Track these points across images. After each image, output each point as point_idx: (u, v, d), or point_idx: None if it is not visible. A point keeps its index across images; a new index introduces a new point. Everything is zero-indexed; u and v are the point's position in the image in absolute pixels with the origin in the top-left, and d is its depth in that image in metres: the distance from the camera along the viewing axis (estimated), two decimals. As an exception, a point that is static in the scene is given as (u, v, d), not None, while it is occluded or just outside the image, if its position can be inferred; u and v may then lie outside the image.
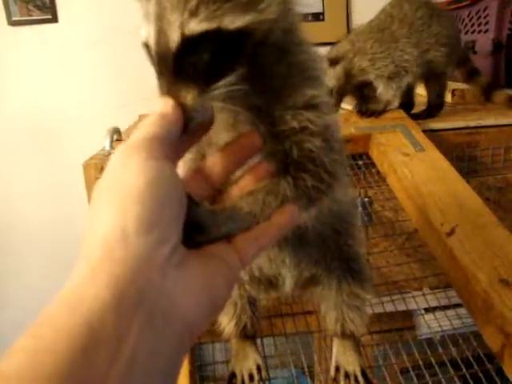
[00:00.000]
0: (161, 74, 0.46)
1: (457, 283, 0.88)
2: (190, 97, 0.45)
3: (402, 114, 1.41)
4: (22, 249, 2.47)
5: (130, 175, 0.40)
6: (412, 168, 1.09)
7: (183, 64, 0.45)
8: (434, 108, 1.59)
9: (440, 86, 1.62)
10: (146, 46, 0.47)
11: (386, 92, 1.56)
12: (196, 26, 0.44)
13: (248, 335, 0.85)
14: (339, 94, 1.67)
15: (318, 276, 0.77)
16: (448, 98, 1.84)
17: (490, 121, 1.44)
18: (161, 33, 0.45)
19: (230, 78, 0.46)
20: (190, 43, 0.44)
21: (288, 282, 0.74)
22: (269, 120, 0.53)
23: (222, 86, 0.46)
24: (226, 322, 0.83)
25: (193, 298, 0.40)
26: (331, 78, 1.61)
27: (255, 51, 0.48)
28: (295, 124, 0.52)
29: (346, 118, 1.33)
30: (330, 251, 0.74)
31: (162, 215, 0.39)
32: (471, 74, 1.71)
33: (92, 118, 2.27)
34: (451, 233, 0.92)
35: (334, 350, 0.84)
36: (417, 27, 1.55)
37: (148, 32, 0.46)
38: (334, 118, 0.58)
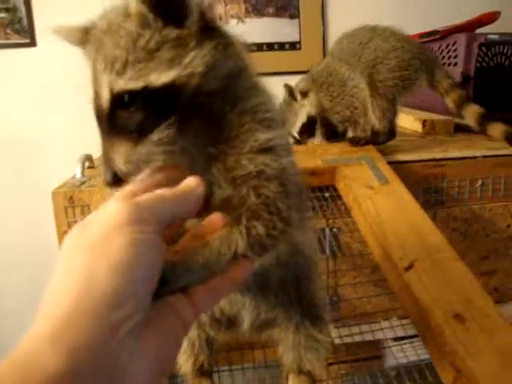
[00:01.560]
0: (100, 132, 0.50)
1: (413, 317, 0.89)
2: (122, 152, 0.48)
3: (368, 146, 1.43)
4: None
5: (120, 243, 0.39)
6: (376, 202, 1.11)
7: (116, 121, 0.48)
8: (378, 134, 1.50)
9: (383, 111, 1.49)
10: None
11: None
12: (123, 85, 0.47)
13: (204, 371, 0.85)
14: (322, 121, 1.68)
15: (276, 319, 0.77)
16: (419, 127, 1.89)
17: (455, 153, 1.47)
18: (96, 93, 0.49)
19: (163, 129, 0.48)
20: (119, 101, 0.47)
21: (246, 322, 0.74)
22: (225, 166, 0.53)
23: (155, 137, 0.48)
24: (184, 361, 0.83)
25: (146, 365, 0.39)
26: (309, 107, 1.64)
27: (195, 101, 0.50)
28: (251, 168, 0.53)
29: (314, 149, 1.35)
30: (290, 298, 0.75)
31: (140, 291, 0.39)
32: (460, 103, 1.55)
33: (67, 143, 2.27)
34: (409, 267, 0.93)
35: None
36: (350, 61, 1.54)
37: (90, 93, 0.50)
38: (291, 160, 0.58)
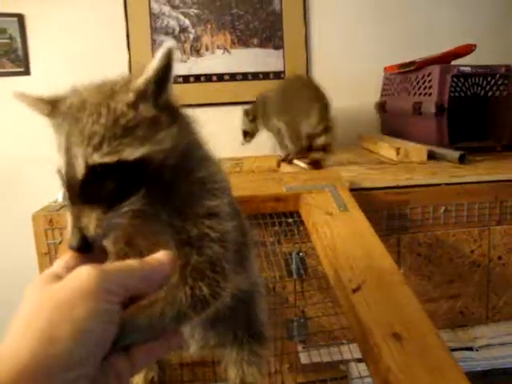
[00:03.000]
0: (69, 198, 0.53)
1: (356, 337, 0.95)
2: (94, 218, 0.51)
3: (335, 173, 1.50)
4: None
5: (84, 310, 0.42)
6: (333, 227, 1.17)
7: (88, 190, 0.51)
8: None
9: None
10: (60, 172, 0.54)
11: None
12: (99, 159, 0.50)
13: None
14: None
15: (224, 342, 0.83)
16: (393, 155, 1.96)
17: (419, 180, 1.54)
18: (69, 164, 0.52)
19: (133, 200, 0.53)
20: (93, 173, 0.51)
21: (193, 348, 0.79)
22: (173, 230, 0.58)
23: (125, 207, 0.52)
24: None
25: None
26: None
27: (157, 173, 0.55)
28: (196, 231, 0.58)
29: (280, 178, 1.42)
30: (240, 323, 0.81)
31: (93, 356, 0.42)
32: None
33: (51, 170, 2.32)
34: (357, 289, 0.99)
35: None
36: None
37: (59, 162, 0.53)
38: (234, 225, 0.63)
